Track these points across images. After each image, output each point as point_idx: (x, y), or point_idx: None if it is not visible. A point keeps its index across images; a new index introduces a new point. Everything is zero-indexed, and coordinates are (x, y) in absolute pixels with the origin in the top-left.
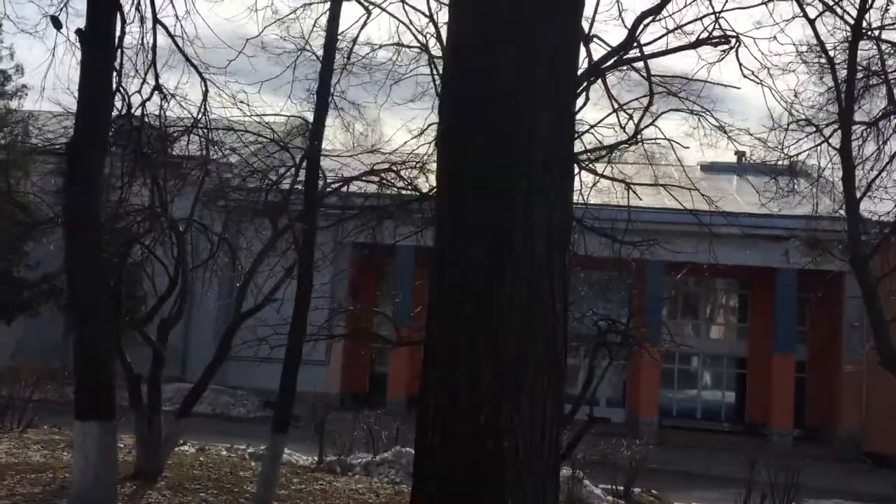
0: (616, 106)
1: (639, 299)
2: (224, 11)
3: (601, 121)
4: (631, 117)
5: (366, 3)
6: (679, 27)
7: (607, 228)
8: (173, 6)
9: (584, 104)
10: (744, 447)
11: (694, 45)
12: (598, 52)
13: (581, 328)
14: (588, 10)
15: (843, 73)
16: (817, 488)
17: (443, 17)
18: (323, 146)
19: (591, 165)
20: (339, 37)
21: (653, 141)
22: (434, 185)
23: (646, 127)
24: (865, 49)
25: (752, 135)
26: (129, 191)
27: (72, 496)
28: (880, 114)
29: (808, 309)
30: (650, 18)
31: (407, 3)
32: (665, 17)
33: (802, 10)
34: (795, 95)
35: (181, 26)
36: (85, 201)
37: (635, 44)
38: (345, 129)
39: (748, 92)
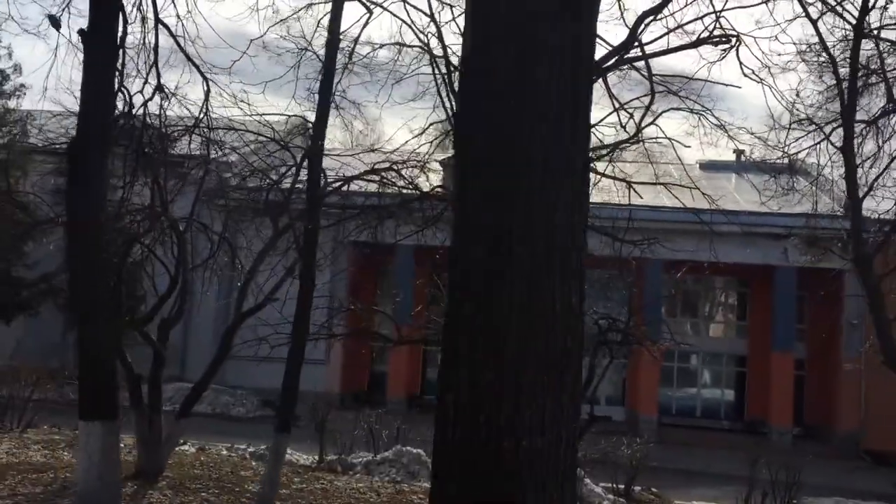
0: (617, 105)
1: (638, 297)
2: (225, 11)
3: (602, 120)
4: (632, 116)
5: (367, 3)
6: (680, 26)
7: (608, 227)
8: (175, 6)
9: None
10: (743, 445)
11: (695, 44)
12: (599, 51)
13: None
14: None
15: (842, 72)
16: (816, 486)
17: (445, 16)
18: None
19: (591, 164)
20: (341, 36)
21: (654, 140)
22: (434, 184)
23: (647, 126)
24: (864, 49)
25: (753, 134)
26: (130, 190)
27: (76, 496)
28: (879, 112)
29: (807, 307)
30: (651, 18)
31: (408, 3)
32: (666, 17)
33: (805, 10)
34: (797, 95)
35: (182, 26)
36: (86, 201)
37: (636, 43)
38: (345, 128)
39: (748, 91)
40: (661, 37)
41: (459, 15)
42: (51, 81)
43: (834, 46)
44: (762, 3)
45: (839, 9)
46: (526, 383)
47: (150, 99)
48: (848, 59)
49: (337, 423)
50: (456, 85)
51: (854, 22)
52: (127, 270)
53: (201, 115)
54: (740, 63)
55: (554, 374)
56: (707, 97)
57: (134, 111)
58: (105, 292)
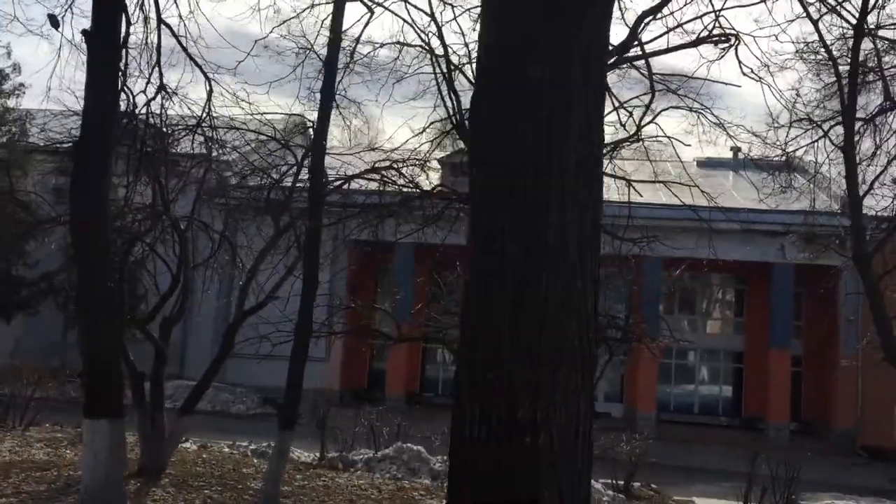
0: (616, 104)
1: (637, 295)
2: (226, 11)
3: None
4: (631, 115)
5: (368, 3)
6: (679, 25)
7: (607, 225)
8: (177, 6)
9: None
10: (741, 441)
11: (694, 43)
12: None
13: None
14: None
15: (841, 70)
16: (814, 482)
17: (446, 16)
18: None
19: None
20: (342, 36)
21: (654, 139)
22: (434, 182)
23: (646, 124)
24: (862, 47)
25: (754, 134)
26: (133, 190)
27: (81, 494)
28: (877, 110)
29: (804, 304)
30: (650, 17)
31: (409, 3)
32: (665, 16)
33: (805, 10)
34: (797, 95)
35: (185, 26)
36: (91, 200)
37: (636, 42)
38: (346, 127)
39: (746, 89)
40: (660, 36)
41: (461, 14)
42: (54, 82)
43: (832, 44)
44: (761, 1)
45: (839, 9)
46: (542, 382)
47: (153, 99)
48: (845, 57)
49: (337, 420)
50: (456, 84)
51: (854, 22)
52: (128, 269)
53: (204, 115)
54: (739, 62)
55: (570, 372)
56: (706, 96)
57: (137, 111)
58: (109, 291)
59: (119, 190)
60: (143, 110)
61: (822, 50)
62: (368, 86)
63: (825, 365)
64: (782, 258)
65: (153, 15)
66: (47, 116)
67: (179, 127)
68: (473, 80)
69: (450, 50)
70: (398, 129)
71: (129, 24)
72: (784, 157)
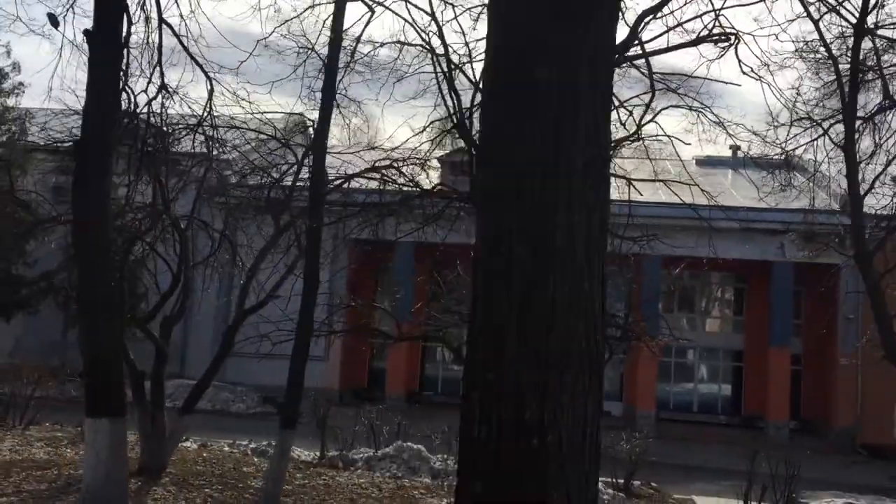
0: (617, 103)
1: (637, 293)
2: (227, 10)
3: None
4: (631, 114)
5: (369, 2)
6: (680, 24)
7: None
8: (178, 5)
9: None
10: (740, 440)
11: (694, 42)
12: None
13: None
14: None
15: (840, 69)
16: (813, 480)
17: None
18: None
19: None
20: (343, 35)
21: (654, 138)
22: (434, 181)
23: (646, 123)
24: (861, 47)
25: (755, 133)
26: (135, 189)
27: (83, 493)
28: (876, 108)
29: (803, 302)
30: (651, 16)
31: (409, 2)
32: (665, 15)
33: (806, 10)
34: (798, 94)
35: (185, 25)
36: (92, 200)
37: (636, 41)
38: (345, 126)
39: (746, 87)
40: (660, 35)
41: (461, 13)
42: (55, 81)
43: (831, 43)
44: (760, 1)
45: (839, 8)
46: (550, 383)
47: (154, 98)
48: (845, 55)
49: (337, 419)
50: (456, 83)
51: (854, 21)
52: (128, 268)
53: (205, 115)
54: (739, 61)
55: (577, 374)
56: (706, 94)
57: (138, 110)
58: (110, 291)
59: (119, 189)
60: (144, 110)
61: (822, 48)
62: (369, 85)
63: (825, 363)
64: (782, 257)
65: (154, 14)
66: (47, 115)
67: (180, 126)
68: (480, 81)
69: (450, 49)
70: (398, 128)
71: (130, 23)
72: (783, 156)
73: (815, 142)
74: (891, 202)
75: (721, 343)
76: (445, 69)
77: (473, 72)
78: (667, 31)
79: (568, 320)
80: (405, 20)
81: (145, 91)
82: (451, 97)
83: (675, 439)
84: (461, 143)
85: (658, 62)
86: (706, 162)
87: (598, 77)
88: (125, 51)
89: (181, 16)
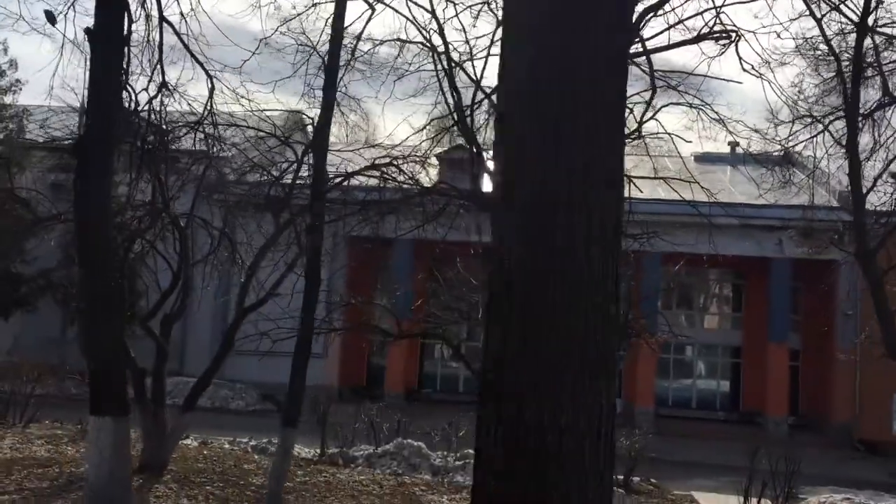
0: None
1: (636, 290)
2: (227, 8)
3: None
4: (632, 111)
5: (370, 0)
6: (681, 21)
7: None
8: (178, 3)
9: None
10: (739, 436)
11: (695, 39)
12: None
13: None
14: None
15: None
16: (812, 476)
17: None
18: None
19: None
20: (344, 33)
21: (654, 136)
22: (434, 178)
23: (647, 121)
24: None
25: (756, 131)
26: (136, 187)
27: (87, 491)
28: (875, 105)
29: (802, 298)
30: (651, 14)
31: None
32: (666, 13)
33: (809, 9)
34: (799, 92)
35: (186, 23)
36: (94, 199)
37: (637, 39)
38: (345, 123)
39: (746, 84)
40: (661, 32)
41: (462, 11)
42: (57, 80)
43: (831, 39)
44: None
45: (840, 5)
46: (567, 384)
47: (156, 97)
48: (844, 52)
49: (337, 416)
50: (457, 80)
51: (857, 20)
52: (128, 266)
53: (205, 113)
54: (740, 58)
55: (593, 375)
56: (706, 91)
57: (139, 109)
58: (112, 290)
59: (119, 187)
60: (145, 108)
61: (822, 45)
62: (369, 82)
63: (823, 359)
64: (780, 253)
65: (155, 12)
66: (44, 112)
67: (181, 124)
68: (480, 79)
69: (451, 46)
70: (398, 125)
71: (130, 21)
72: (783, 152)
73: (815, 138)
74: (890, 198)
75: (720, 339)
76: (446, 66)
77: (474, 69)
78: (668, 29)
79: (582, 323)
80: (406, 17)
81: (146, 89)
82: (452, 94)
83: (674, 435)
84: (460, 140)
85: (658, 59)
86: (704, 158)
87: (599, 77)
88: (126, 49)
89: (181, 14)
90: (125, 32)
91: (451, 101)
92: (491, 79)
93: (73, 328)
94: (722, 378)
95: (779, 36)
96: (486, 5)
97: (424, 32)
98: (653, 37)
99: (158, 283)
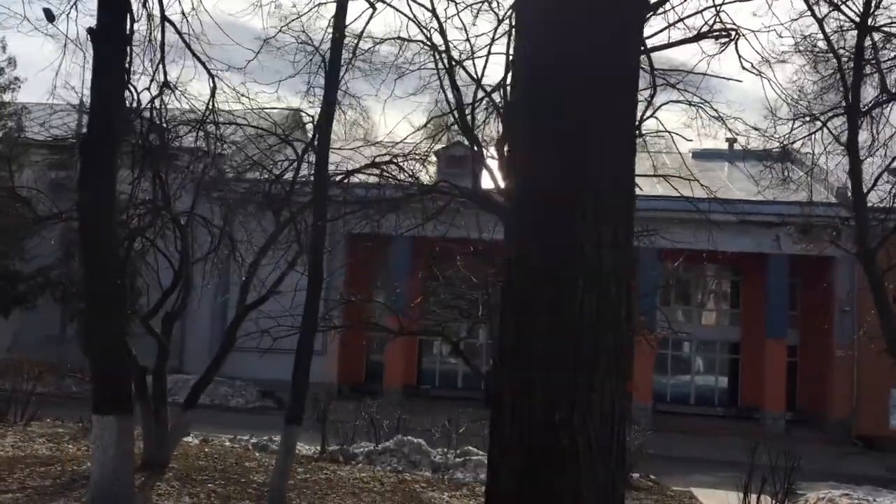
0: None
1: (634, 287)
2: (227, 6)
3: None
4: None
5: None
6: (681, 19)
7: None
8: (180, 2)
9: None
10: (737, 431)
11: (695, 38)
12: None
13: None
14: None
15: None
16: (810, 471)
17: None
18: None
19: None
20: (345, 32)
21: (655, 134)
22: (431, 175)
23: (647, 119)
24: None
25: (755, 128)
26: (138, 186)
27: (91, 489)
28: (873, 102)
29: (799, 294)
30: (651, 13)
31: None
32: (667, 11)
33: (810, 8)
34: (801, 91)
35: (187, 22)
36: (98, 199)
37: None
38: (343, 120)
39: (745, 81)
40: (661, 31)
41: (463, 10)
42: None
43: (831, 36)
44: None
45: (843, 7)
46: (579, 384)
47: (158, 96)
48: (842, 49)
49: (337, 413)
50: (457, 78)
51: (857, 19)
52: (129, 264)
53: (207, 112)
54: (739, 56)
55: (605, 376)
56: (705, 89)
57: (141, 108)
58: (116, 289)
59: (121, 185)
60: (147, 107)
61: (820, 43)
62: (369, 80)
63: (821, 355)
64: (778, 249)
65: (157, 12)
66: (43, 110)
67: (184, 122)
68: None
69: (451, 45)
70: (398, 123)
71: (132, 21)
72: (782, 149)
73: (813, 135)
74: (888, 194)
75: (717, 335)
76: (446, 65)
77: (475, 67)
78: (668, 27)
79: (595, 324)
80: (406, 16)
81: (148, 89)
82: (453, 92)
83: (673, 431)
84: (459, 137)
85: (658, 57)
86: (702, 155)
87: (611, 83)
88: (128, 48)
89: (183, 13)
90: (127, 32)
91: (451, 99)
92: (491, 77)
93: (72, 326)
94: (720, 374)
95: (779, 35)
96: (486, 3)
97: (425, 31)
98: (653, 35)
99: (160, 281)
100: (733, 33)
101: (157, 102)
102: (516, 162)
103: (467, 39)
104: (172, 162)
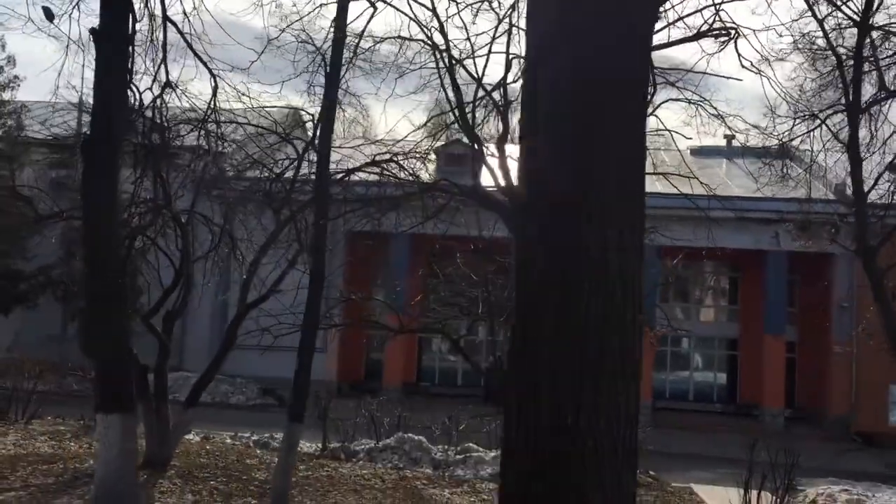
0: None
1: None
2: (228, 6)
3: None
4: None
5: None
6: (680, 18)
7: None
8: (181, 3)
9: None
10: (736, 428)
11: (695, 37)
12: None
13: None
14: None
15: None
16: (809, 468)
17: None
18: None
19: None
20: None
21: (654, 132)
22: (431, 173)
23: (647, 117)
24: (854, 36)
25: (755, 126)
26: (140, 186)
27: (95, 487)
28: (871, 99)
29: (797, 290)
30: (660, 18)
31: None
32: (666, 10)
33: (810, 8)
34: (802, 91)
35: (189, 22)
36: (102, 198)
37: None
38: (342, 118)
39: (745, 79)
40: (661, 30)
41: (464, 9)
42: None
43: (830, 34)
44: None
45: (843, 7)
46: (589, 387)
47: (160, 96)
48: (841, 47)
49: (338, 411)
50: (458, 77)
51: (857, 18)
52: (130, 263)
53: (209, 112)
54: (739, 55)
55: (615, 379)
56: (704, 86)
57: (143, 108)
58: (119, 289)
59: (123, 184)
60: (149, 107)
61: (819, 41)
62: (370, 79)
63: (819, 351)
64: (776, 246)
65: (158, 12)
66: (42, 108)
67: (185, 122)
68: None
69: (451, 44)
70: (398, 121)
71: (134, 21)
72: (780, 146)
73: (812, 133)
74: (887, 191)
75: (716, 332)
76: (447, 64)
77: (475, 66)
78: (667, 26)
79: (601, 327)
80: (407, 16)
81: (150, 88)
82: (454, 91)
83: (671, 428)
84: (458, 135)
85: (657, 56)
86: (700, 152)
87: (623, 88)
88: (130, 48)
89: (184, 12)
90: (129, 32)
91: (452, 97)
92: (491, 76)
93: (73, 325)
94: (718, 370)
95: (780, 35)
96: (486, 3)
97: (426, 30)
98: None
99: (160, 279)
100: (733, 32)
101: (158, 102)
102: (525, 165)
103: (468, 38)
104: (173, 161)
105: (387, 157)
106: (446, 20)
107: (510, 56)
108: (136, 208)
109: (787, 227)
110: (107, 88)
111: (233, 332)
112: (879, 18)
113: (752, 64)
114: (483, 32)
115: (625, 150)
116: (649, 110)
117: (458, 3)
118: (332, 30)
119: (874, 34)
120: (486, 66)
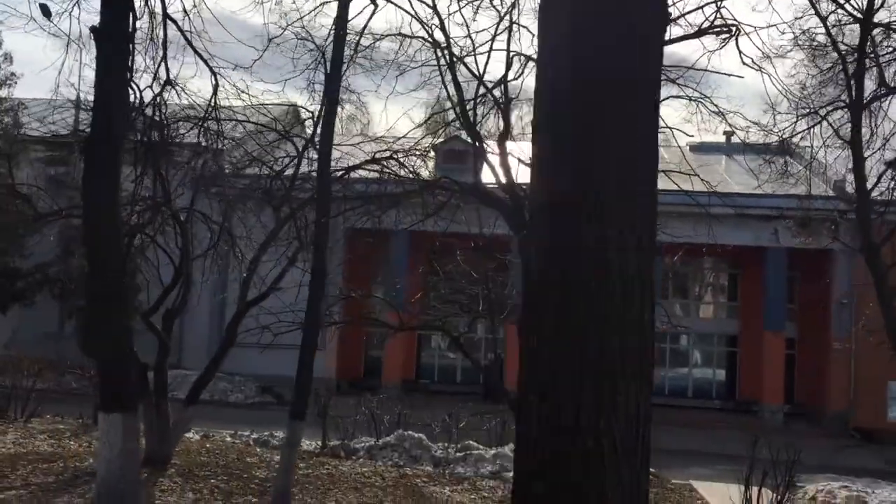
0: None
1: None
2: (227, 3)
3: None
4: None
5: None
6: (681, 15)
7: None
8: (181, 0)
9: None
10: (736, 424)
11: (696, 34)
12: None
13: None
14: None
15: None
16: (809, 464)
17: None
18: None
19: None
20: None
21: None
22: (434, 172)
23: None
24: (855, 32)
25: (756, 124)
26: (141, 183)
27: (97, 486)
28: (871, 96)
29: (797, 287)
30: (669, 22)
31: None
32: (669, 7)
33: (814, 7)
34: (803, 88)
35: (189, 20)
36: (103, 197)
37: None
38: (341, 116)
39: (746, 76)
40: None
41: (465, 6)
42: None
43: (831, 29)
44: None
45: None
46: (604, 388)
47: (160, 94)
48: (841, 43)
49: (337, 409)
50: (459, 74)
51: (860, 15)
52: (130, 261)
53: (210, 110)
54: (740, 52)
55: (630, 379)
56: (705, 83)
57: (144, 106)
58: (120, 288)
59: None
60: (149, 105)
61: (819, 37)
62: (370, 77)
63: (819, 348)
64: (776, 242)
65: (158, 9)
66: (39, 105)
67: (185, 119)
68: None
69: (452, 41)
70: (398, 118)
71: (135, 18)
72: (780, 143)
73: (812, 129)
74: (888, 188)
75: (715, 328)
76: (448, 61)
77: (476, 63)
78: (668, 24)
79: (604, 326)
80: (408, 13)
81: (150, 86)
82: (455, 88)
83: (671, 424)
84: (456, 132)
85: None
86: (700, 148)
87: (634, 87)
88: (130, 46)
89: (184, 10)
90: (129, 30)
91: (453, 95)
92: (492, 73)
93: (70, 322)
94: (718, 367)
95: (781, 33)
96: (487, 0)
97: (426, 27)
98: None
99: (160, 277)
100: (734, 29)
101: (158, 100)
102: (537, 165)
103: (468, 35)
104: (173, 158)
105: (387, 154)
106: (447, 17)
107: (511, 53)
108: (135, 206)
109: (786, 223)
110: (107, 88)
111: (233, 330)
112: (881, 15)
113: (752, 61)
114: (484, 30)
115: (625, 149)
116: None
117: (458, 1)
118: (332, 27)
119: (875, 31)
120: (486, 64)
